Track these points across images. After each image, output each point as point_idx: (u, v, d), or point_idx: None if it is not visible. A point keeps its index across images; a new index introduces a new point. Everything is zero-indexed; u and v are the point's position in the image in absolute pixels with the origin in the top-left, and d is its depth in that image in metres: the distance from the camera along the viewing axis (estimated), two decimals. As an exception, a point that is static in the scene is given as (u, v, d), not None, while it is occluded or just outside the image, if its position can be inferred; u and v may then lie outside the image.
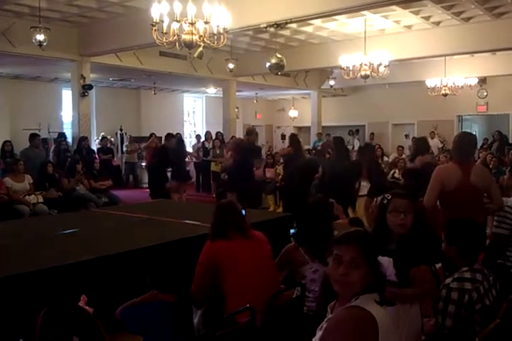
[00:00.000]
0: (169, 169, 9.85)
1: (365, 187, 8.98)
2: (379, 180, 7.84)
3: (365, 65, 9.50)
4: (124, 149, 14.63)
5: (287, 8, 7.55)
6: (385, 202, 3.06)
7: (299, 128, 20.91)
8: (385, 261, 2.09)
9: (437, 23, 10.30)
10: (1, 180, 7.74)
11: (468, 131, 16.71)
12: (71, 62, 10.67)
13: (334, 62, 10.67)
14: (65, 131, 13.88)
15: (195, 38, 5.66)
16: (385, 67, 9.54)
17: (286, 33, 10.86)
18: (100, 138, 14.06)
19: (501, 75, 14.18)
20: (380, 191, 6.94)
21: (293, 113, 20.22)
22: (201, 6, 5.50)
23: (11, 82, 13.93)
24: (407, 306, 2.01)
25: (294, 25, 10.02)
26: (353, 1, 7.21)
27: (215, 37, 5.81)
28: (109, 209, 6.83)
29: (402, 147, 13.81)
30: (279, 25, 7.70)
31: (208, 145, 13.21)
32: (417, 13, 9.58)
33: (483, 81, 15.64)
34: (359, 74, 9.64)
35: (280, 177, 9.61)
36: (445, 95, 13.21)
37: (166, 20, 5.52)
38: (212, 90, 16.75)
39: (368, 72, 9.55)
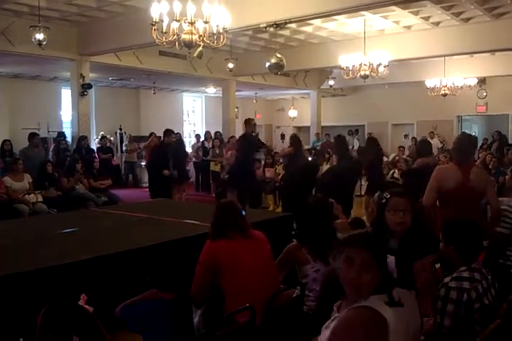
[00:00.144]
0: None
1: (362, 186, 9.00)
2: (377, 178, 7.87)
3: (365, 65, 9.50)
4: (124, 148, 14.63)
5: (287, 8, 7.55)
6: (384, 201, 3.07)
7: (299, 128, 20.91)
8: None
9: (437, 24, 10.30)
10: (1, 179, 7.72)
11: (468, 131, 16.76)
12: (70, 61, 10.66)
13: (334, 62, 10.67)
14: (64, 130, 13.87)
15: (195, 37, 5.65)
16: (384, 67, 9.54)
17: (286, 32, 10.87)
18: (100, 137, 14.05)
19: (501, 76, 14.20)
20: (377, 188, 6.96)
21: (292, 113, 20.23)
22: (201, 6, 5.49)
23: (11, 81, 13.92)
24: (409, 306, 2.01)
25: (293, 25, 10.03)
26: (353, 2, 7.22)
27: (215, 36, 5.80)
28: (109, 209, 6.83)
29: (403, 147, 13.85)
30: (278, 25, 7.70)
31: (208, 144, 13.22)
32: (416, 13, 9.59)
33: (482, 81, 15.66)
34: (358, 74, 9.64)
35: (280, 177, 9.62)
36: (444, 95, 13.21)
37: (166, 20, 5.52)
38: (211, 90, 16.75)
39: (368, 72, 9.55)
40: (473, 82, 13.91)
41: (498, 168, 8.37)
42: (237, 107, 15.91)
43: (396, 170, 9.05)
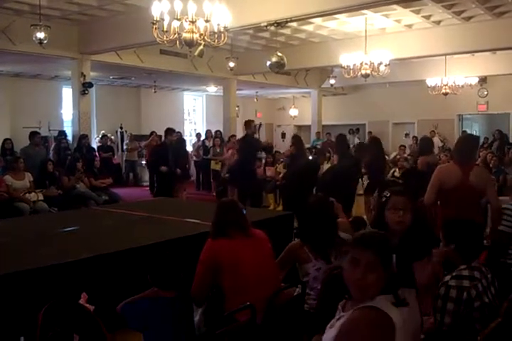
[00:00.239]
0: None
1: (363, 185, 8.98)
2: (377, 177, 7.86)
3: (366, 63, 9.49)
4: (125, 147, 14.64)
5: (288, 7, 7.55)
6: (384, 199, 3.07)
7: (299, 127, 20.92)
8: None
9: (438, 22, 10.29)
10: (1, 177, 7.74)
11: (469, 130, 16.82)
12: (71, 60, 10.66)
13: (335, 61, 10.67)
14: (65, 129, 13.87)
15: (196, 36, 5.65)
16: (385, 66, 9.52)
17: (287, 31, 10.86)
18: (100, 136, 14.05)
19: (502, 74, 14.17)
20: (376, 188, 6.96)
21: (293, 112, 20.22)
22: (202, 5, 5.49)
23: (11, 79, 13.92)
24: (410, 304, 2.02)
25: (294, 24, 10.02)
26: (354, 0, 7.20)
27: (216, 35, 5.81)
28: (109, 207, 6.84)
29: (404, 146, 13.83)
30: (279, 23, 7.69)
31: (208, 143, 13.22)
32: (417, 12, 9.58)
33: (483, 80, 15.64)
34: (359, 73, 9.62)
35: (281, 175, 9.62)
36: (445, 94, 13.20)
37: (167, 19, 5.52)
38: (212, 89, 16.74)
39: (369, 71, 9.54)
40: (474, 80, 13.90)
41: (499, 167, 8.37)
42: (237, 106, 15.90)
43: (397, 169, 9.05)
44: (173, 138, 9.81)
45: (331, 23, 10.50)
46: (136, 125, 16.64)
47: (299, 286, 3.22)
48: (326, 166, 9.69)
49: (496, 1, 8.91)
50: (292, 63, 10.08)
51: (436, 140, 15.32)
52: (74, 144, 11.23)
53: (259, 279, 3.04)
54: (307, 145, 14.13)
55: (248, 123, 8.80)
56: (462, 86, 13.33)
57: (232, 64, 11.36)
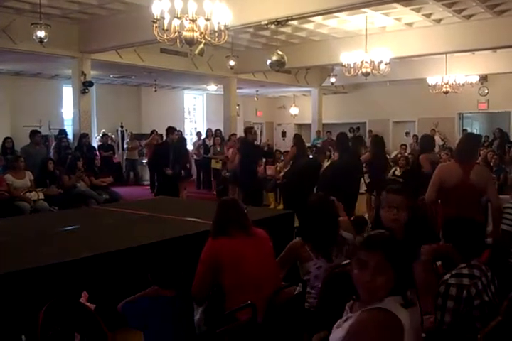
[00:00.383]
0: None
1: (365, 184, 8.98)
2: (377, 175, 7.87)
3: (366, 62, 9.48)
4: (125, 146, 14.64)
5: (288, 6, 7.54)
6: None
7: (300, 126, 20.90)
8: None
9: (438, 21, 10.27)
10: (2, 176, 7.74)
11: (469, 128, 16.80)
12: (72, 58, 10.65)
13: (335, 60, 10.65)
14: (65, 127, 13.85)
15: (196, 34, 5.64)
16: (385, 64, 9.52)
17: (287, 30, 10.84)
18: (101, 135, 14.05)
19: (502, 73, 14.15)
20: (377, 186, 6.95)
21: (294, 110, 20.21)
22: (202, 3, 5.49)
23: (12, 78, 13.91)
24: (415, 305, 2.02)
25: (294, 23, 10.00)
26: (354, -1, 7.21)
27: (216, 34, 5.80)
28: (110, 206, 6.83)
29: (405, 145, 13.82)
30: (279, 22, 7.68)
31: (209, 142, 13.22)
32: (418, 10, 9.56)
33: (484, 78, 15.62)
34: (360, 72, 9.62)
35: (281, 174, 9.62)
36: (446, 93, 13.19)
37: (167, 17, 5.51)
38: (212, 87, 16.73)
39: (369, 70, 9.53)
40: (475, 79, 13.88)
41: (500, 166, 8.38)
42: (238, 105, 15.89)
43: (398, 168, 9.05)
44: (175, 137, 9.79)
45: (331, 22, 10.49)
46: (136, 124, 16.64)
47: (299, 285, 3.22)
48: (325, 164, 9.69)
49: (496, 0, 8.90)
50: (293, 62, 10.07)
51: (436, 138, 15.30)
52: (74, 143, 11.22)
53: (260, 278, 3.04)
54: (307, 144, 14.15)
55: (248, 131, 8.77)
56: (463, 84, 13.31)
57: (232, 62, 11.35)
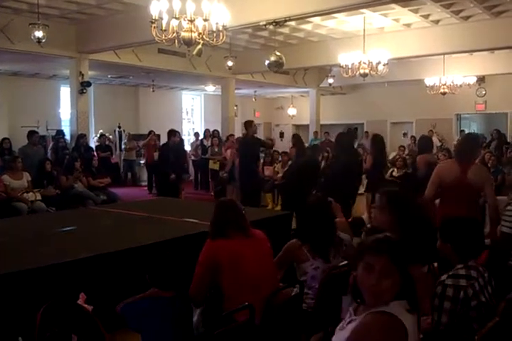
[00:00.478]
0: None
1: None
2: (376, 176, 7.87)
3: (364, 63, 9.48)
4: (123, 147, 14.63)
5: (286, 6, 7.55)
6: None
7: (298, 127, 20.92)
8: None
9: (436, 22, 10.30)
10: (-1, 177, 7.72)
11: (467, 129, 16.80)
12: (69, 59, 10.64)
13: (333, 60, 10.66)
14: (63, 128, 13.83)
15: (194, 35, 5.64)
16: (383, 65, 9.51)
17: (285, 30, 10.85)
18: (98, 135, 14.05)
19: (500, 74, 14.19)
20: (375, 187, 6.94)
21: (292, 111, 20.22)
22: (200, 3, 5.49)
23: (10, 78, 13.89)
24: None
25: (293, 23, 10.02)
26: (352, -1, 7.22)
27: (214, 34, 5.79)
28: (108, 207, 6.83)
29: (404, 146, 13.84)
30: (278, 22, 7.69)
31: (207, 143, 13.21)
32: (416, 11, 9.58)
33: (481, 80, 15.65)
34: (358, 73, 9.61)
35: (279, 175, 9.61)
36: (444, 94, 13.22)
37: (165, 18, 5.50)
38: (210, 88, 16.73)
39: (367, 71, 9.53)
40: (473, 80, 13.91)
41: (497, 167, 8.37)
42: (236, 105, 15.90)
43: (395, 169, 9.05)
44: (177, 140, 9.65)
45: (329, 22, 10.50)
46: (134, 124, 16.63)
47: (296, 286, 3.21)
48: (322, 164, 9.67)
49: (494, 1, 8.92)
50: (291, 62, 10.08)
51: (434, 139, 15.33)
52: (72, 143, 11.20)
53: (258, 279, 3.04)
54: (306, 145, 14.14)
55: (249, 124, 8.75)
56: (460, 85, 13.34)
57: (230, 63, 11.34)
